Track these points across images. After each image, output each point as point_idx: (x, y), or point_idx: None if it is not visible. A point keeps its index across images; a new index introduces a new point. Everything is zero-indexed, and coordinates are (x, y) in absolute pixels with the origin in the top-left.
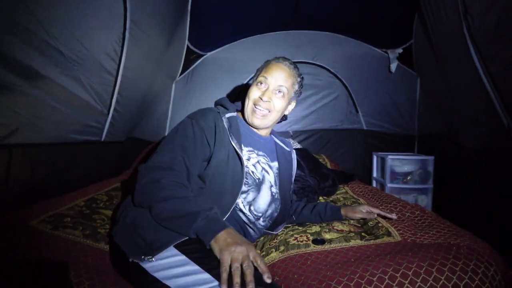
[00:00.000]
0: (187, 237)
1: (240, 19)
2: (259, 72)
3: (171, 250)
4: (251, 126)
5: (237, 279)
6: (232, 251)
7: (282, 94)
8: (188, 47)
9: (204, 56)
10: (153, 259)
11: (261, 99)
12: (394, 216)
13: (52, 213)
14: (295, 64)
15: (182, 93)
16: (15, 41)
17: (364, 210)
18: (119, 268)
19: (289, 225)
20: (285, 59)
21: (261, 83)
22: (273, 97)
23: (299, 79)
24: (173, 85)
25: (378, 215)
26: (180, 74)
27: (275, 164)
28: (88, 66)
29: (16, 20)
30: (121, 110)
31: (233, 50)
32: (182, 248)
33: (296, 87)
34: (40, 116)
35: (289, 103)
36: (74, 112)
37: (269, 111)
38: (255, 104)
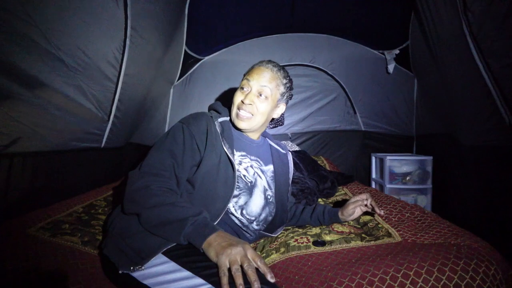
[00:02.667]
0: (175, 243)
1: (237, 23)
2: (243, 77)
3: (160, 257)
4: (239, 130)
5: (239, 280)
6: (228, 253)
7: (264, 96)
8: (185, 51)
9: (202, 61)
10: (143, 268)
11: (243, 102)
12: (381, 212)
13: (50, 220)
14: (280, 67)
15: (180, 97)
16: (18, 51)
17: (353, 200)
18: (111, 279)
19: (289, 227)
20: (269, 61)
21: (243, 87)
22: (256, 100)
23: (285, 81)
24: (171, 90)
25: (372, 210)
26: (178, 79)
27: (269, 168)
28: (89, 74)
29: (19, 30)
30: (120, 116)
31: (231, 53)
32: (170, 254)
33: (282, 89)
34: (42, 125)
35: (276, 106)
36: (76, 120)
37: (252, 114)
38: (238, 108)
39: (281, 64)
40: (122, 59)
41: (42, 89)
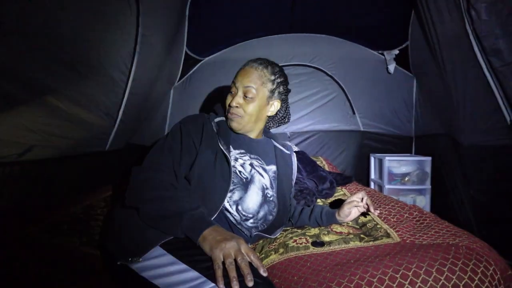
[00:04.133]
0: (172, 236)
1: (237, 23)
2: None
3: (158, 249)
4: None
5: (233, 273)
6: (223, 247)
7: (250, 96)
8: (186, 52)
9: (202, 61)
10: (140, 260)
11: (230, 106)
12: (376, 211)
13: (49, 221)
14: (267, 64)
15: (180, 98)
16: (33, 60)
17: (348, 201)
18: (108, 271)
19: (288, 228)
20: (256, 60)
21: (231, 90)
22: (242, 102)
23: (272, 77)
24: (172, 91)
25: (367, 210)
26: (179, 80)
27: (271, 168)
28: (101, 82)
29: (35, 40)
30: (125, 119)
31: (230, 54)
32: (168, 247)
33: (270, 86)
34: (54, 133)
35: (267, 104)
36: (86, 127)
37: (240, 116)
38: (228, 111)
39: (280, 64)
40: (131, 66)
41: (55, 97)
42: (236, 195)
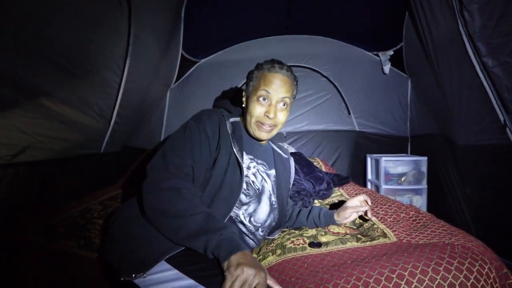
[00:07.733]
0: (179, 250)
1: (233, 25)
2: (257, 82)
3: (163, 264)
4: (254, 139)
5: None
6: (239, 272)
7: (285, 106)
8: (182, 54)
9: (198, 63)
10: (145, 275)
11: (267, 117)
12: (373, 218)
13: (47, 224)
14: (291, 69)
15: (176, 100)
16: (24, 61)
17: (352, 205)
18: (111, 285)
19: (286, 229)
20: (281, 66)
21: (263, 98)
22: (277, 112)
23: (295, 83)
24: (168, 93)
25: (365, 214)
26: (175, 82)
27: (272, 172)
28: (94, 84)
29: (26, 41)
30: (120, 121)
31: (226, 56)
32: (173, 261)
33: (295, 93)
34: (47, 135)
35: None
36: (79, 129)
37: (275, 125)
38: (260, 121)
39: None
40: (124, 67)
41: (48, 99)
42: (251, 208)
